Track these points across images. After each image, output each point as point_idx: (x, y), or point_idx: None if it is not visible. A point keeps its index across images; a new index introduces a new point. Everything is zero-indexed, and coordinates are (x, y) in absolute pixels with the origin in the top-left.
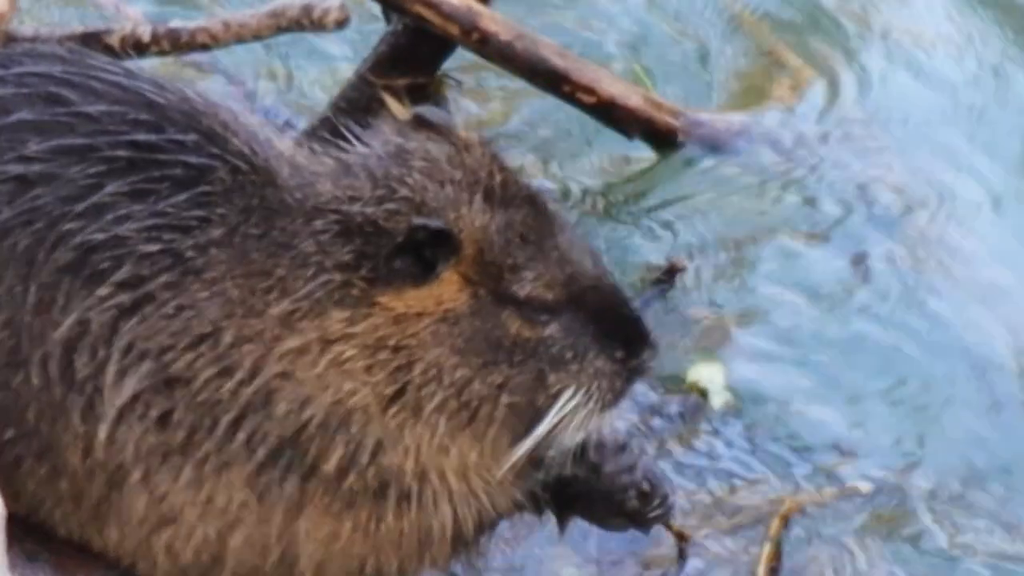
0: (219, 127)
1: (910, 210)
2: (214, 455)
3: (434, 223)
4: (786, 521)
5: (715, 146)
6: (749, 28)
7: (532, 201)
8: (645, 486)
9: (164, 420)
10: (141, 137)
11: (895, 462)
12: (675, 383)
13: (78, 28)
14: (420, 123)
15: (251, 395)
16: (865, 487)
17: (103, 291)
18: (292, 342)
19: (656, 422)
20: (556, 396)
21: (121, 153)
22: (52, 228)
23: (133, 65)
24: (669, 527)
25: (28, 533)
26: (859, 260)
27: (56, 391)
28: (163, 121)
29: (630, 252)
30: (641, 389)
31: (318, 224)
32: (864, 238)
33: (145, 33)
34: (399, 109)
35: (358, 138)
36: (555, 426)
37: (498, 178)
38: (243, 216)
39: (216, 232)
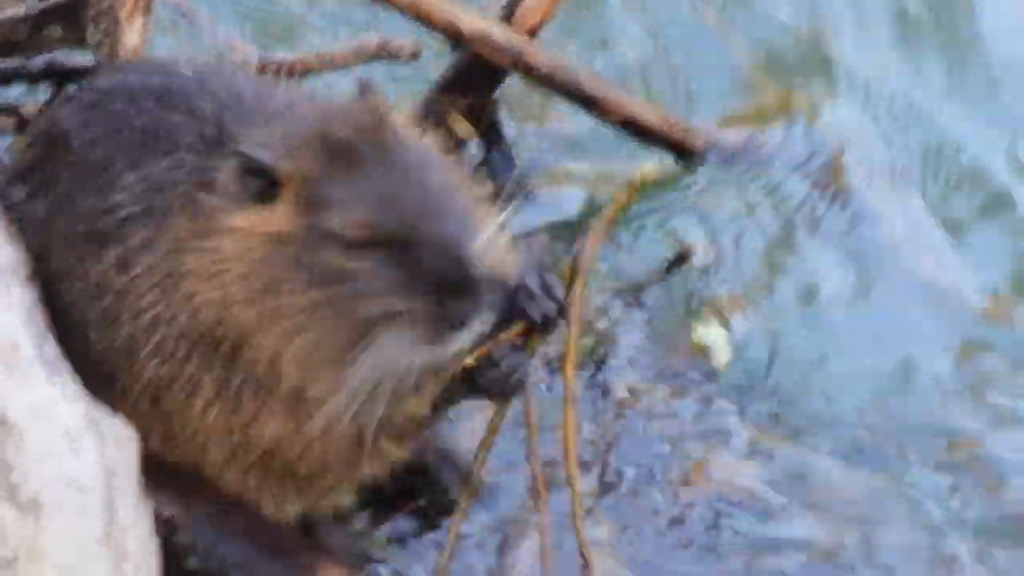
0: (207, 103)
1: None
2: (185, 381)
3: (256, 156)
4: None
5: (723, 158)
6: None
7: (369, 154)
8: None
9: (157, 354)
10: (146, 120)
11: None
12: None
13: (174, 57)
14: (361, 90)
15: (193, 325)
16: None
17: (109, 253)
18: (204, 262)
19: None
20: (371, 325)
21: (129, 136)
22: (80, 204)
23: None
24: None
25: (158, 467)
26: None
27: (98, 342)
28: (161, 106)
29: (647, 245)
30: (645, 347)
31: (214, 159)
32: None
33: (254, 63)
34: (461, 124)
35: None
36: (377, 363)
37: (346, 133)
38: (196, 171)
39: (179, 188)
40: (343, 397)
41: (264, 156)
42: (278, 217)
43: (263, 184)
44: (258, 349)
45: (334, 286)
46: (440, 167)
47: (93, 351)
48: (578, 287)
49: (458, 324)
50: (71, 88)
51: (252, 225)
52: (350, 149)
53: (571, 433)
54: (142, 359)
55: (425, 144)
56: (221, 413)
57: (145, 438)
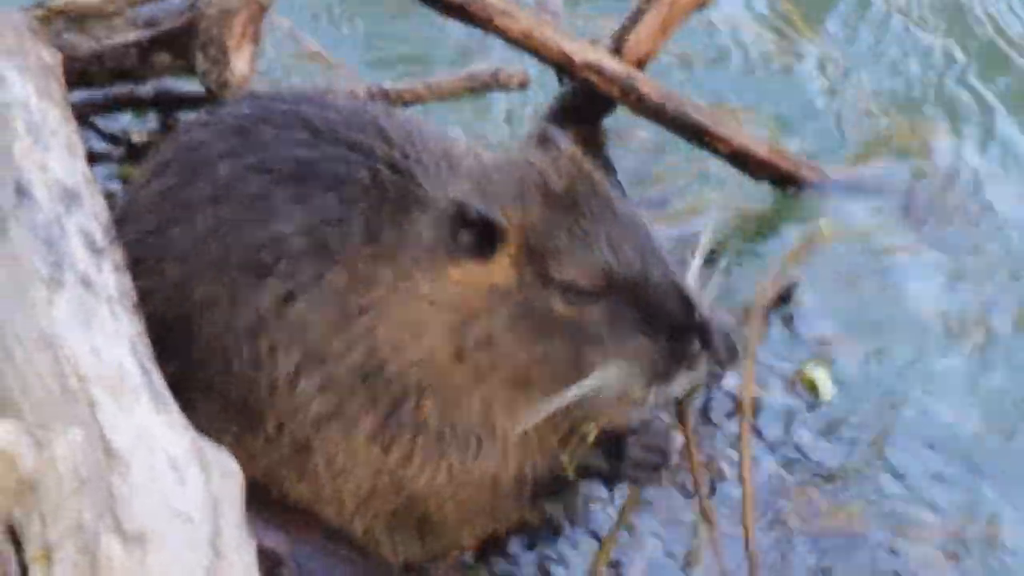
0: (369, 139)
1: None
2: (347, 416)
3: (477, 209)
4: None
5: (834, 193)
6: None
7: (590, 204)
8: (657, 459)
9: (322, 388)
10: (301, 152)
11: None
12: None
13: (308, 88)
14: (541, 138)
15: (367, 361)
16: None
17: (271, 284)
18: (395, 306)
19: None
20: (593, 367)
21: (285, 168)
22: (234, 233)
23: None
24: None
25: (264, 497)
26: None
27: (250, 373)
28: (317, 138)
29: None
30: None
31: (425, 212)
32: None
33: (362, 92)
34: None
35: (506, 150)
36: (591, 391)
37: (565, 183)
38: (377, 209)
39: (355, 225)
40: (550, 404)
41: (488, 210)
42: (498, 270)
43: (479, 237)
44: (459, 401)
45: (562, 335)
46: (640, 211)
47: (235, 384)
48: (754, 331)
49: (688, 364)
50: (183, 116)
51: (467, 277)
52: (570, 200)
53: (749, 505)
54: (302, 393)
55: (613, 187)
56: (374, 452)
57: (274, 476)
